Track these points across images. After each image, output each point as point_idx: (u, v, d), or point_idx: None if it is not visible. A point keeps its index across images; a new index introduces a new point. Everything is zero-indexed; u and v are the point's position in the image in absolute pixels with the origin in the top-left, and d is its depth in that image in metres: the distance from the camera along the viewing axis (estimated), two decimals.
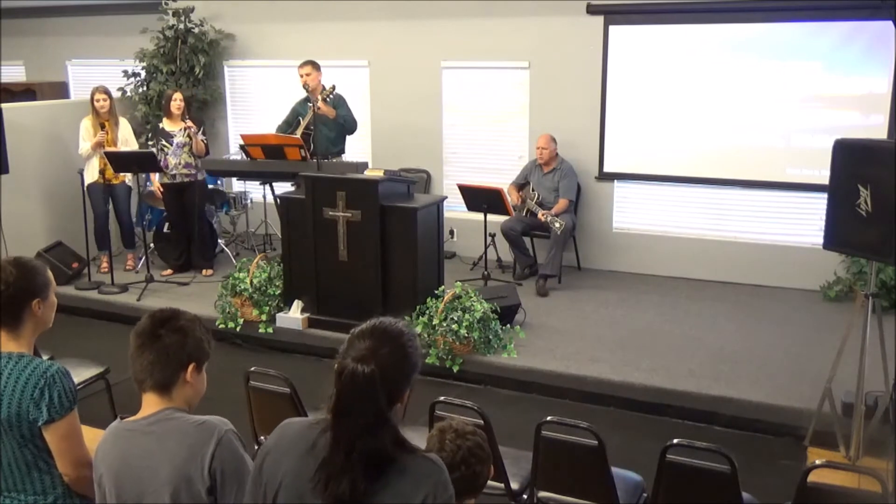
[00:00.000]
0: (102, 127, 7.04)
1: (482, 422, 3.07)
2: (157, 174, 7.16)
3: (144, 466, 1.97)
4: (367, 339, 1.73)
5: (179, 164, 7.05)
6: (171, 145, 7.03)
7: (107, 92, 7.13)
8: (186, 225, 7.27)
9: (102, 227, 7.25)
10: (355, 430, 1.67)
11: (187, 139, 7.01)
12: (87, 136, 7.11)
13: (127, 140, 7.24)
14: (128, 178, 7.27)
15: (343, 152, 7.12)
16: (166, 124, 7.11)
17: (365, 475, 1.67)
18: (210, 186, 7.80)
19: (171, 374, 2.02)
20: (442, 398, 3.30)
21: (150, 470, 1.96)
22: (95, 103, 7.05)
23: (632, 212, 7.34)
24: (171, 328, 2.02)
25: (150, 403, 2.04)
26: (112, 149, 7.02)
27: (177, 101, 7.07)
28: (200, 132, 7.07)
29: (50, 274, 2.44)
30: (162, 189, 7.20)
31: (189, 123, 6.97)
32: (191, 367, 2.04)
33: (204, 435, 1.97)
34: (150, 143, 7.30)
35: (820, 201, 5.39)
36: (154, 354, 2.00)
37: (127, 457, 2.00)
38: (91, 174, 7.12)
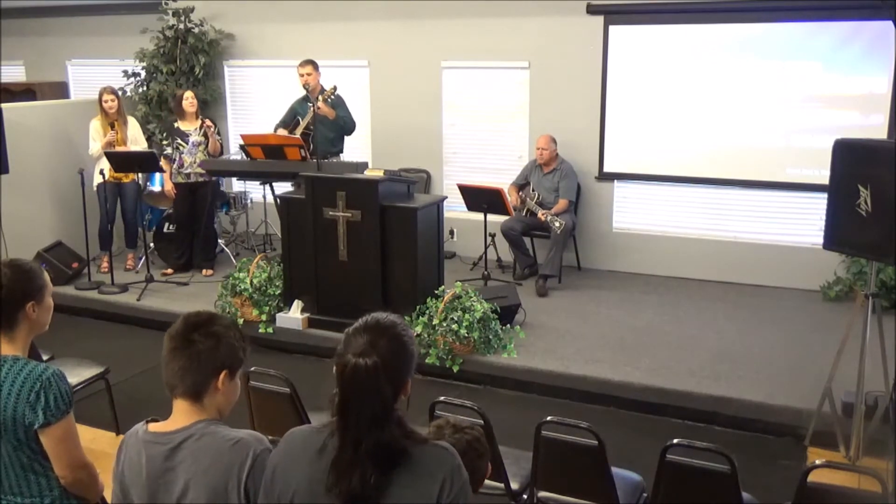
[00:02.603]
0: (112, 127, 7.07)
1: (482, 422, 3.07)
2: (171, 174, 7.17)
3: (179, 482, 1.93)
4: (363, 334, 1.74)
5: (194, 162, 7.07)
6: (187, 144, 7.05)
7: (114, 92, 7.16)
8: (193, 224, 7.28)
9: (107, 227, 7.26)
10: (363, 424, 1.67)
11: (203, 138, 7.05)
12: (96, 136, 7.15)
13: (136, 139, 7.29)
14: (140, 176, 7.30)
15: (341, 152, 7.13)
16: (181, 123, 7.14)
17: (375, 468, 1.66)
18: None
19: (202, 381, 1.96)
20: (442, 398, 3.30)
21: (185, 486, 1.92)
22: (104, 104, 7.08)
23: (632, 212, 7.34)
24: (204, 333, 1.96)
25: (181, 412, 1.98)
26: (120, 148, 7.04)
27: (188, 100, 7.12)
28: (216, 132, 7.13)
29: (46, 276, 2.41)
30: (175, 189, 7.22)
31: (209, 122, 7.06)
32: (223, 375, 1.98)
33: (240, 455, 1.92)
34: (164, 142, 7.32)
35: (820, 201, 5.40)
36: (185, 360, 1.94)
37: (160, 472, 1.95)
38: (102, 174, 7.12)
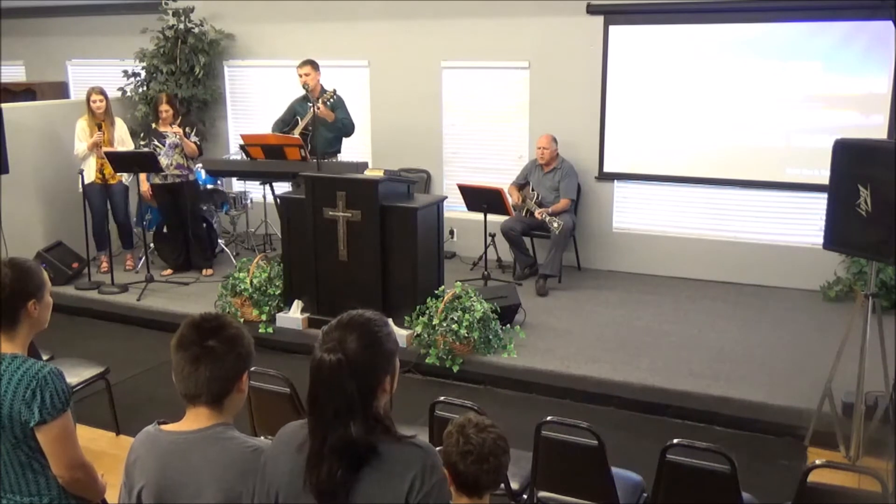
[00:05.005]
0: (99, 127, 7.05)
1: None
2: (147, 175, 7.14)
3: (192, 483, 1.92)
4: (336, 331, 1.77)
5: (171, 164, 7.06)
6: (164, 146, 7.03)
7: (103, 92, 7.14)
8: (181, 225, 7.28)
9: (101, 227, 7.25)
10: (326, 419, 1.70)
11: (179, 140, 7.03)
12: (83, 136, 7.12)
13: (123, 140, 7.25)
14: (124, 177, 7.28)
15: (339, 152, 7.13)
16: (159, 125, 7.13)
17: (341, 463, 1.68)
18: (210, 186, 7.81)
19: (227, 387, 1.96)
20: (442, 398, 3.30)
21: (197, 487, 1.91)
22: (91, 104, 7.06)
23: (632, 212, 7.34)
24: (222, 339, 1.94)
25: (200, 416, 1.97)
26: (112, 149, 7.02)
27: (162, 114, 7.05)
28: (193, 133, 7.10)
29: (45, 274, 2.42)
30: (152, 190, 7.20)
31: (175, 129, 6.99)
32: (244, 376, 1.99)
33: (257, 463, 1.91)
34: (142, 143, 7.30)
35: (820, 201, 5.39)
36: (211, 370, 1.92)
37: (173, 471, 1.94)
38: (88, 174, 7.11)
